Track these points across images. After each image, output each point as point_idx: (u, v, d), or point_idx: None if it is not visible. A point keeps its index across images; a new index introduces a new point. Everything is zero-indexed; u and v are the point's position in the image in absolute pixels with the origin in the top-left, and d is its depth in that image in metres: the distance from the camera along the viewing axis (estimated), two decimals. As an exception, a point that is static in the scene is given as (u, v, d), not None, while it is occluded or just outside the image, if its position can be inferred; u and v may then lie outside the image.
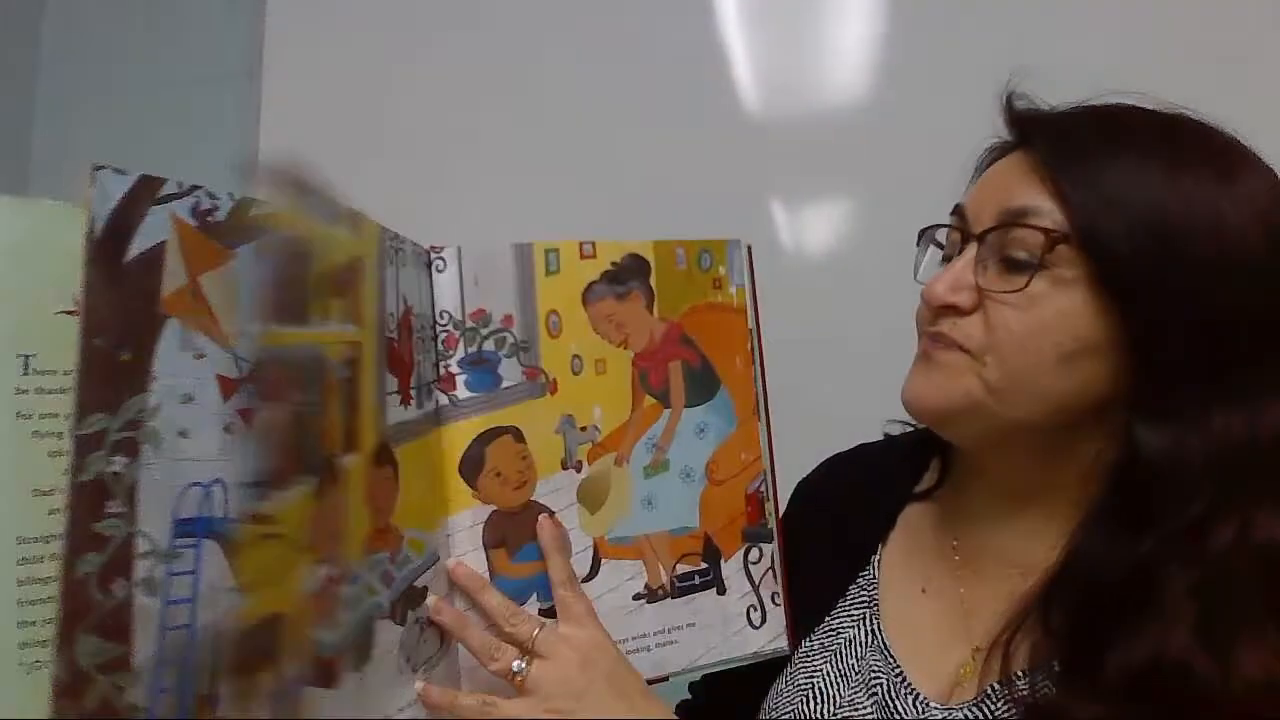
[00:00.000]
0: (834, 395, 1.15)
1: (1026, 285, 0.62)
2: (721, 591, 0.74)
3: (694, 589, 0.73)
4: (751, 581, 0.75)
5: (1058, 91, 0.68)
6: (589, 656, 0.65)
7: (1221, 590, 0.57)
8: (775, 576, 0.76)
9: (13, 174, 0.41)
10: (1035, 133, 0.66)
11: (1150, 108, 0.65)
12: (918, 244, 0.73)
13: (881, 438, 0.84)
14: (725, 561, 0.74)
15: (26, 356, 0.50)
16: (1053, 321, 0.62)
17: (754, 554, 0.75)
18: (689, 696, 0.85)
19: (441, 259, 0.67)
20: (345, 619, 0.55)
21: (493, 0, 1.44)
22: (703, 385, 0.74)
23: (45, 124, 1.69)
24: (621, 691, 0.65)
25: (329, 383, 0.53)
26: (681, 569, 0.73)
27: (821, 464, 0.88)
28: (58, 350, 0.48)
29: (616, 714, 0.64)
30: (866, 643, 0.73)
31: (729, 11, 1.34)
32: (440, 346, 0.67)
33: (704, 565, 0.73)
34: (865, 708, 0.70)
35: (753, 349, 0.76)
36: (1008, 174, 0.66)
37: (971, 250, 0.66)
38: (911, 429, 0.80)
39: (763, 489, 0.76)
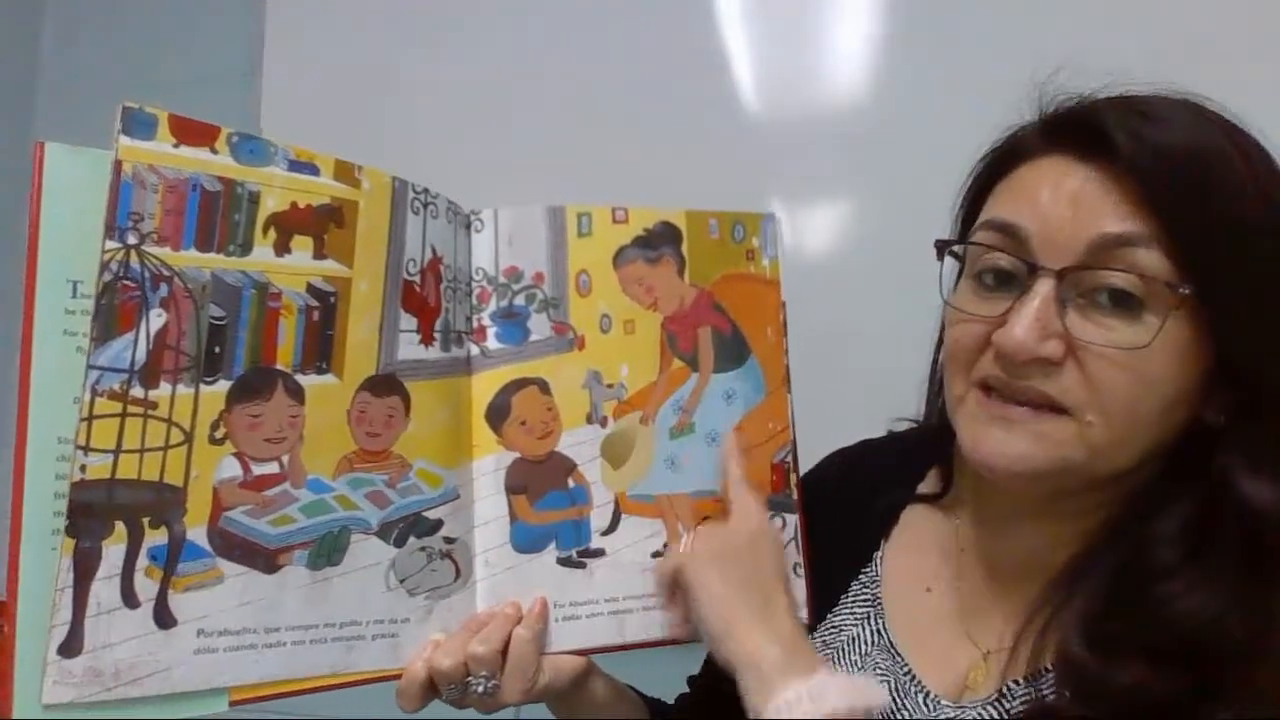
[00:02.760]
0: (834, 394, 1.09)
1: (1150, 344, 0.56)
2: None
3: None
4: (774, 550, 0.75)
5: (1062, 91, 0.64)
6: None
7: None
8: (797, 547, 0.75)
9: (15, 171, 0.46)
10: (1115, 137, 0.57)
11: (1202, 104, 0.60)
12: (939, 259, 0.66)
13: (885, 434, 0.83)
14: None
15: (75, 282, 0.56)
16: (1161, 374, 0.57)
17: (777, 523, 0.75)
18: (687, 691, 0.85)
19: (480, 220, 0.71)
20: (295, 518, 0.61)
21: (493, 1, 1.45)
22: (732, 352, 0.75)
23: (46, 123, 1.76)
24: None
25: (266, 306, 0.60)
26: (702, 532, 0.73)
27: (823, 460, 0.86)
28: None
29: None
30: (871, 641, 0.72)
31: (730, 11, 1.34)
32: (475, 301, 0.71)
33: None
34: None
35: (784, 321, 0.77)
36: (1077, 190, 0.58)
37: (1047, 286, 0.58)
38: (915, 425, 0.79)
39: (788, 459, 0.76)
